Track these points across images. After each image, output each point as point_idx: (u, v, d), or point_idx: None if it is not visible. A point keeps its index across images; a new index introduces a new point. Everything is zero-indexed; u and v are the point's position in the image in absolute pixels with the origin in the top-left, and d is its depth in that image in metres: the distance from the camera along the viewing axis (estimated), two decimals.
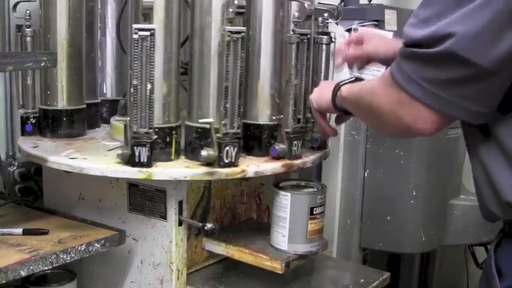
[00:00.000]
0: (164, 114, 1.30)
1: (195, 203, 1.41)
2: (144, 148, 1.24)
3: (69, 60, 1.53)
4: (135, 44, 1.20)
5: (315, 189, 1.42)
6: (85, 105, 1.58)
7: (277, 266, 1.34)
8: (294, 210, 1.37)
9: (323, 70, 1.50)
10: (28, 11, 1.53)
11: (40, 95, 1.55)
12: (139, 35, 1.20)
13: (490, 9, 0.85)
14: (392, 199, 1.86)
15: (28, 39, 1.53)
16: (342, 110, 1.26)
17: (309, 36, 1.35)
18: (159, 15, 1.27)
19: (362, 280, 1.50)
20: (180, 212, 1.35)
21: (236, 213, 1.55)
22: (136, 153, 1.24)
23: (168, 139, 1.30)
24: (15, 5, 1.57)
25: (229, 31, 1.23)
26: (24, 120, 1.54)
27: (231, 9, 1.24)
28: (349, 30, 1.58)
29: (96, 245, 1.29)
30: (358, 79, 1.26)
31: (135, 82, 1.22)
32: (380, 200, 1.88)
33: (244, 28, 1.27)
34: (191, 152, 1.32)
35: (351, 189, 1.90)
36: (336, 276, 1.56)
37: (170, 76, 1.31)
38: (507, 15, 0.84)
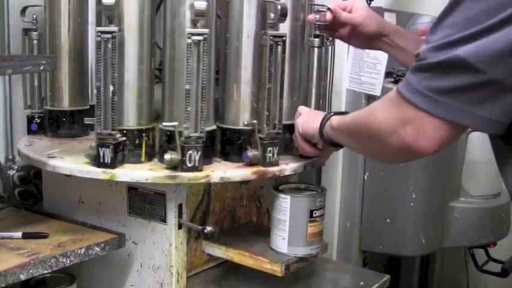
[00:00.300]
0: (135, 117, 1.31)
1: (195, 206, 1.41)
2: (107, 149, 1.25)
3: (70, 63, 1.54)
4: (98, 47, 1.22)
5: (315, 192, 1.42)
6: (88, 107, 1.59)
7: (277, 269, 1.34)
8: (293, 213, 1.36)
9: (315, 74, 1.45)
10: (35, 15, 1.56)
11: (45, 96, 1.58)
12: (101, 38, 1.21)
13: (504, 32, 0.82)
14: (392, 202, 1.86)
15: (34, 42, 1.56)
16: (329, 141, 1.24)
17: (284, 38, 1.31)
18: (130, 17, 1.28)
19: (362, 283, 1.50)
20: (180, 215, 1.35)
21: (236, 216, 1.55)
22: (101, 154, 1.25)
23: (137, 141, 1.31)
24: (23, 9, 1.59)
25: (189, 33, 1.22)
26: (30, 120, 1.58)
27: (193, 11, 1.22)
28: None
29: (96, 248, 1.29)
30: (347, 112, 1.22)
31: (98, 84, 1.23)
32: (380, 202, 1.88)
33: (207, 30, 1.23)
34: (161, 155, 1.31)
35: (351, 192, 1.90)
36: (336, 278, 1.56)
37: (142, 79, 1.31)
38: None
